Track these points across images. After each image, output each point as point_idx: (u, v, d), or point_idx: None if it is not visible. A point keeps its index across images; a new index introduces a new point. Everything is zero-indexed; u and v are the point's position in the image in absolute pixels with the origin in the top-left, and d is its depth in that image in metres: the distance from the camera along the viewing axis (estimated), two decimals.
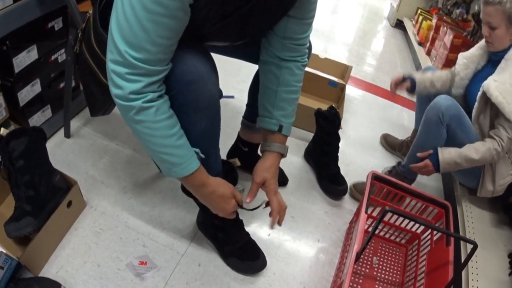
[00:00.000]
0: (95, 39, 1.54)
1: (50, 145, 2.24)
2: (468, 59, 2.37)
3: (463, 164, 2.18)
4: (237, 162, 1.89)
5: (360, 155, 2.71)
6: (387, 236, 2.22)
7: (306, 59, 1.74)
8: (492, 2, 2.08)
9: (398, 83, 2.60)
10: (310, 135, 2.70)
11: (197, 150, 1.47)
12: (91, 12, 1.60)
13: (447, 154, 2.21)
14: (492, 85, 2.06)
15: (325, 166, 2.52)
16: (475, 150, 2.13)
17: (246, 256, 1.94)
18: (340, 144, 2.48)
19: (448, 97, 2.15)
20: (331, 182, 2.49)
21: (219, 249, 1.97)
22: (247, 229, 2.01)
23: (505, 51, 2.12)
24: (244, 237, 1.96)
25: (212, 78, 1.43)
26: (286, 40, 1.63)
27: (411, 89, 2.51)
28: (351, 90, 3.70)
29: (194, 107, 1.42)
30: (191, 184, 1.53)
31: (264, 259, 1.97)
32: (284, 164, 2.47)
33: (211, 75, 1.43)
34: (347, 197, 2.50)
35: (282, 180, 2.45)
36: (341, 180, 2.50)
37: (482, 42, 2.35)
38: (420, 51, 4.54)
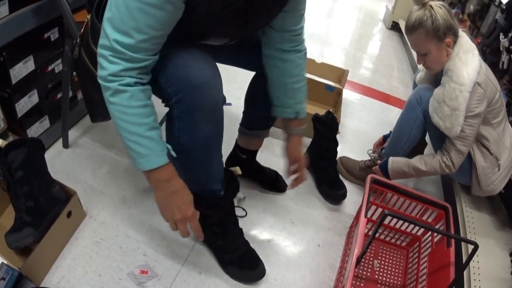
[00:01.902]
0: (93, 40, 1.56)
1: (48, 155, 2.23)
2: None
3: (412, 173, 2.27)
4: (238, 171, 1.91)
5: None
6: (387, 239, 2.22)
7: (305, 46, 1.85)
8: (413, 28, 2.06)
9: (379, 145, 2.75)
10: (308, 140, 2.70)
11: (170, 147, 1.48)
12: (89, 17, 1.61)
13: (395, 163, 2.31)
14: (430, 105, 2.10)
15: (323, 171, 2.52)
16: (424, 162, 2.21)
17: (245, 264, 1.93)
18: (339, 149, 2.48)
19: (429, 86, 2.16)
20: (329, 186, 2.48)
21: (218, 257, 1.97)
22: (248, 235, 2.02)
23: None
24: (243, 246, 1.95)
25: (217, 83, 1.47)
26: (285, 33, 1.72)
27: None
28: (348, 94, 3.70)
29: (199, 112, 1.45)
30: (156, 178, 1.48)
31: (263, 267, 1.96)
32: (282, 170, 2.47)
33: (216, 80, 1.47)
34: (347, 201, 2.49)
35: (281, 186, 2.45)
36: (340, 185, 2.50)
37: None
38: None
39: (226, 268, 1.94)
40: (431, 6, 2.01)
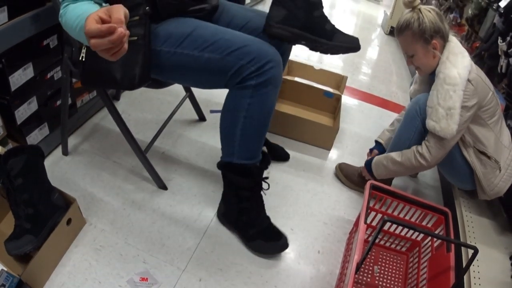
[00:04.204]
0: None
1: (48, 163, 2.24)
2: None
3: (390, 167, 2.30)
4: (264, 148, 2.14)
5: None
6: (387, 244, 2.22)
7: None
8: (401, 30, 2.12)
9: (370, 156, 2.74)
10: (307, 147, 2.71)
11: None
12: None
13: (378, 158, 2.37)
14: (426, 114, 2.10)
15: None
16: (401, 153, 2.25)
17: (269, 237, 2.06)
18: (338, 155, 2.48)
19: (428, 95, 2.16)
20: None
21: (243, 233, 2.10)
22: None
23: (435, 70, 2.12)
24: (265, 220, 2.09)
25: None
26: None
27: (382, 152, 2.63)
28: (347, 100, 3.71)
29: (273, 84, 1.74)
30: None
31: (286, 239, 2.07)
32: (280, 179, 2.47)
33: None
34: (346, 207, 2.50)
35: (285, 155, 2.74)
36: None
37: (416, 74, 2.44)
38: None
39: (252, 243, 2.07)
40: (419, 9, 2.06)
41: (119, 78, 1.69)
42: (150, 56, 1.72)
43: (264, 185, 2.06)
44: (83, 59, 1.73)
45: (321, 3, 1.88)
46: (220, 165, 2.00)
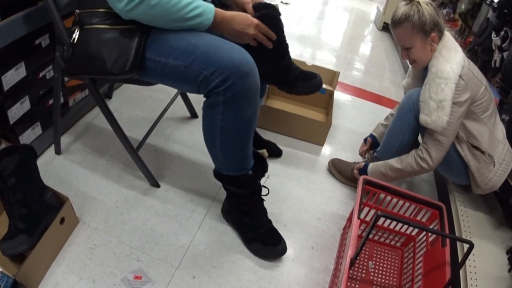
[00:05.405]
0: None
1: (41, 162, 2.24)
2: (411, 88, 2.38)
3: (390, 174, 2.29)
4: (265, 153, 2.13)
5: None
6: (381, 240, 2.22)
7: None
8: (399, 22, 2.10)
9: (363, 150, 2.75)
10: (300, 143, 2.72)
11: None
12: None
13: (374, 165, 2.35)
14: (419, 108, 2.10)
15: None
16: (400, 160, 2.24)
17: (268, 241, 2.05)
18: (331, 150, 2.47)
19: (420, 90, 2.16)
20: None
21: (242, 235, 2.11)
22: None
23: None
24: (266, 223, 2.08)
25: (255, 67, 1.65)
26: None
27: (376, 145, 2.63)
28: (339, 96, 3.70)
29: (245, 96, 1.63)
30: (219, 21, 1.70)
31: (285, 245, 2.07)
32: (273, 175, 2.47)
33: (255, 64, 1.65)
34: (340, 203, 2.50)
35: (278, 152, 2.73)
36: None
37: (410, 67, 2.42)
38: None
39: (250, 245, 2.08)
40: (418, 2, 2.06)
41: (110, 64, 1.63)
42: (145, 45, 1.66)
43: (264, 191, 2.08)
44: (74, 41, 1.68)
45: (286, 54, 1.96)
46: (214, 174, 2.01)
